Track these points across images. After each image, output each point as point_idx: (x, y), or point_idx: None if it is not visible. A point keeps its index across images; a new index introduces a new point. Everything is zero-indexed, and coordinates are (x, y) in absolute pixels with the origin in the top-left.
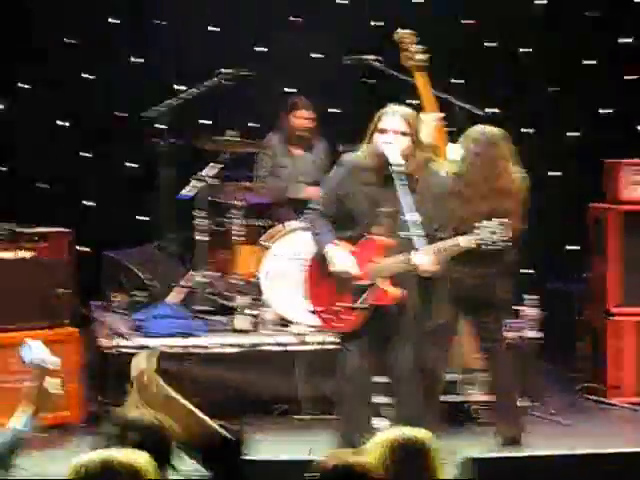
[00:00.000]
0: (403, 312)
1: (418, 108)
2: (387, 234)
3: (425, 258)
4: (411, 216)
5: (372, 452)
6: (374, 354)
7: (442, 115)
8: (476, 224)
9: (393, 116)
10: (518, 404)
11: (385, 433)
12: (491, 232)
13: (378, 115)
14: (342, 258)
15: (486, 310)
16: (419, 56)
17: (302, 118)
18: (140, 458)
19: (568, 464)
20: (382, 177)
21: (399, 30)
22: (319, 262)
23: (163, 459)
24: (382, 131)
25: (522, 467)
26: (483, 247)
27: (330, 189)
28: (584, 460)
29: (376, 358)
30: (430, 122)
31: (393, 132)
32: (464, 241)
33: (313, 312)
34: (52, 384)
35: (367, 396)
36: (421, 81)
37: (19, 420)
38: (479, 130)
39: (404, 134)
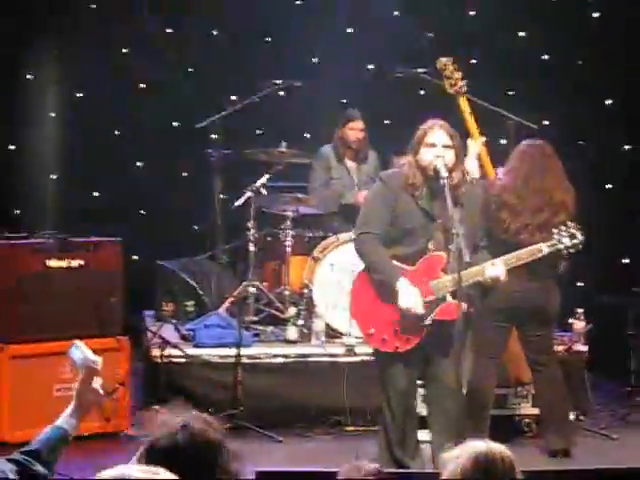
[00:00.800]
0: (467, 325)
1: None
2: (441, 248)
3: (499, 269)
4: (460, 229)
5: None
6: (420, 368)
7: (485, 139)
8: (554, 230)
9: (440, 130)
10: (570, 417)
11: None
12: (570, 236)
13: (424, 129)
14: (411, 296)
15: (538, 322)
16: (461, 82)
17: (354, 129)
18: (159, 475)
19: (613, 478)
20: (432, 191)
21: (441, 58)
22: (370, 282)
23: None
24: (431, 145)
25: None
26: (564, 252)
27: (378, 208)
28: (629, 474)
29: (422, 372)
30: (476, 147)
31: (442, 146)
32: (546, 247)
33: (367, 335)
34: (97, 382)
35: (413, 411)
36: (465, 107)
37: (63, 419)
38: (532, 144)
39: (450, 147)
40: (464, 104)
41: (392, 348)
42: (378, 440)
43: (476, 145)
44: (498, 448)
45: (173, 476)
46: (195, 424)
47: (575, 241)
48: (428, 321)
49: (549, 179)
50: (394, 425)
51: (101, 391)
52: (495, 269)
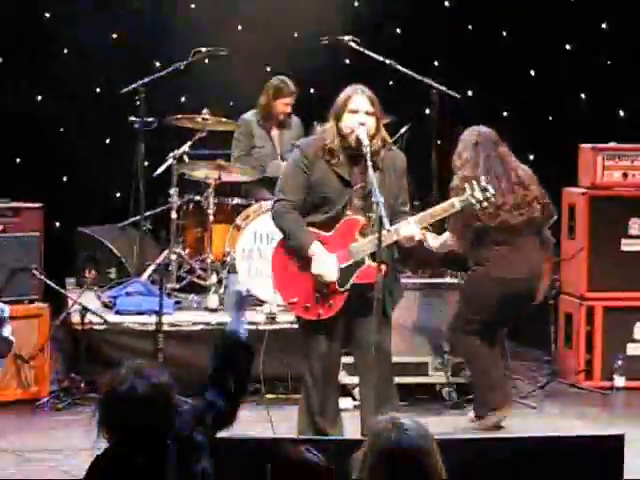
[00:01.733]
0: (383, 288)
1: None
2: (360, 213)
3: (412, 228)
4: (380, 197)
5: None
6: (344, 334)
7: None
8: (466, 185)
9: (362, 95)
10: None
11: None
12: (482, 190)
13: (346, 95)
14: (323, 262)
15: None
16: None
17: (285, 105)
18: None
19: (531, 446)
20: (353, 157)
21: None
22: (289, 251)
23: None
24: (354, 111)
25: (485, 449)
26: (477, 205)
27: (294, 176)
28: (545, 442)
29: (345, 338)
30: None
31: (365, 113)
32: (458, 202)
33: (290, 304)
34: (7, 331)
35: (335, 379)
36: None
37: None
38: (478, 133)
39: (371, 114)
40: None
41: (315, 315)
42: (299, 407)
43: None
44: (407, 440)
45: None
46: (146, 369)
47: (487, 194)
48: (348, 285)
49: (508, 161)
50: (315, 393)
51: (11, 338)
52: (409, 228)
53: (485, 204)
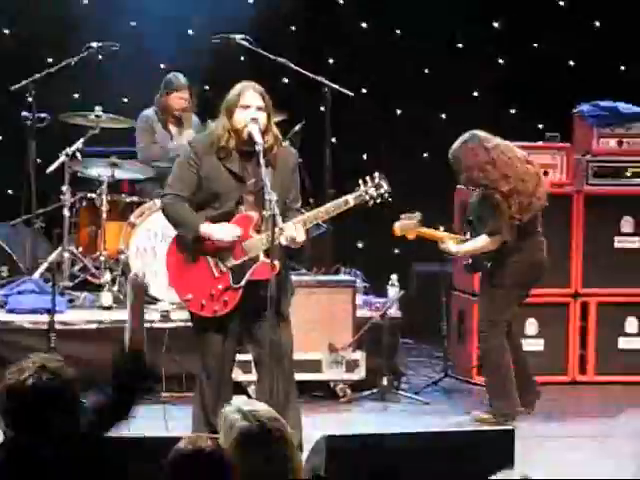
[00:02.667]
0: (278, 285)
1: None
2: (253, 209)
3: (292, 230)
4: (273, 194)
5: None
6: (239, 331)
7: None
8: (360, 181)
9: (253, 91)
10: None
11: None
12: (376, 186)
13: (237, 91)
14: (219, 227)
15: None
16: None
17: (181, 99)
18: None
19: (419, 441)
20: (245, 153)
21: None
22: (183, 248)
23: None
24: (245, 107)
25: (374, 444)
26: (371, 202)
27: (183, 172)
28: (434, 438)
29: (240, 336)
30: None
31: (256, 108)
32: (352, 198)
33: (185, 301)
34: None
35: (229, 377)
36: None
37: None
38: (479, 139)
39: (262, 109)
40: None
41: (211, 312)
42: (193, 406)
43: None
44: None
45: None
46: (50, 363)
47: (381, 191)
48: (243, 282)
49: (512, 162)
50: (209, 391)
51: None
52: (291, 230)
53: (379, 200)
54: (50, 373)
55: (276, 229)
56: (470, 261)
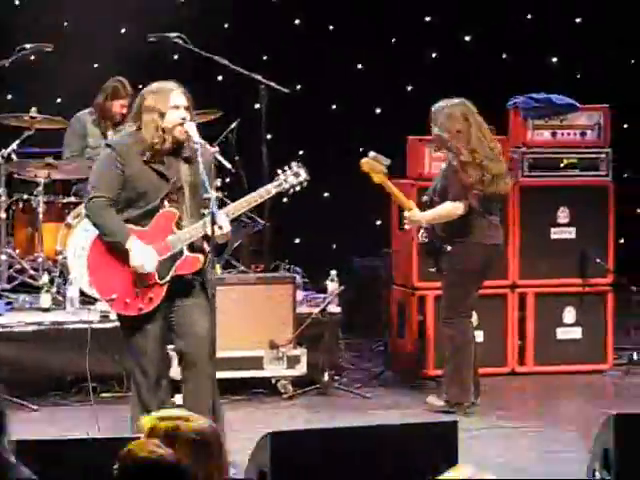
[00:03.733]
0: (202, 279)
1: None
2: (174, 205)
3: (222, 219)
4: (212, 191)
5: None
6: (167, 327)
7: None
8: (278, 170)
9: (180, 91)
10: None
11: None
12: (295, 174)
13: (165, 92)
14: (141, 254)
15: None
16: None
17: (122, 106)
18: None
19: (362, 435)
20: (170, 151)
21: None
22: (105, 248)
23: None
24: (175, 107)
25: (318, 440)
26: (290, 190)
27: (106, 173)
28: (377, 432)
29: (168, 330)
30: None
31: (184, 108)
32: (273, 188)
33: (109, 301)
34: None
35: (166, 374)
36: (391, 187)
37: None
38: (464, 105)
39: (187, 109)
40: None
41: (136, 310)
42: (132, 406)
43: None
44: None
45: None
46: None
47: (300, 179)
48: (168, 277)
49: (488, 131)
50: (147, 390)
51: None
52: (222, 220)
53: (298, 188)
54: None
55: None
56: (427, 239)
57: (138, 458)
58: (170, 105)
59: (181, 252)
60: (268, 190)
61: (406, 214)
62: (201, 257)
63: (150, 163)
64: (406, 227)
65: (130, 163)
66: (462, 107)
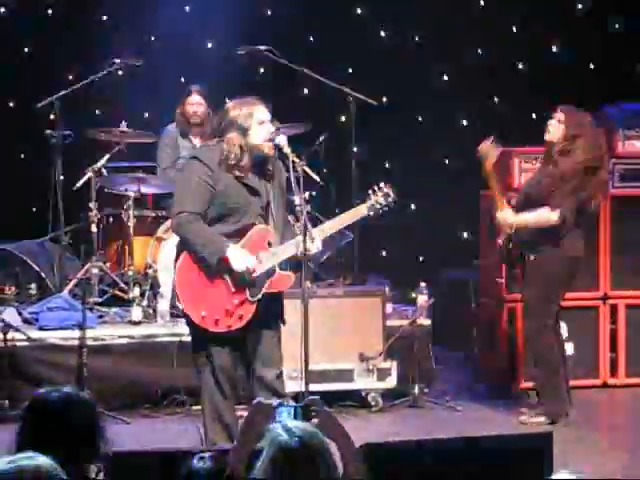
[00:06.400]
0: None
1: None
2: (262, 222)
3: (315, 239)
4: (305, 206)
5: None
6: (244, 346)
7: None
8: (369, 191)
9: (263, 106)
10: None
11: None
12: (384, 195)
13: (248, 108)
14: (243, 257)
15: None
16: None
17: (192, 104)
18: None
19: (456, 448)
20: (256, 167)
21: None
22: (196, 264)
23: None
24: (262, 122)
25: (413, 452)
26: (380, 211)
27: (195, 187)
28: (470, 443)
29: (246, 350)
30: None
31: (269, 122)
32: (365, 208)
33: (201, 318)
34: None
35: (237, 392)
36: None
37: None
38: (579, 111)
39: (271, 122)
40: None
41: (225, 327)
42: (208, 421)
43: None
44: (304, 443)
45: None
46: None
47: (389, 199)
48: (260, 295)
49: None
50: (228, 410)
51: None
52: (316, 239)
53: (386, 209)
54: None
55: (306, 239)
56: (510, 245)
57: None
58: (256, 121)
59: (273, 270)
60: (361, 211)
61: (497, 214)
62: (292, 275)
63: (240, 178)
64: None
65: (220, 177)
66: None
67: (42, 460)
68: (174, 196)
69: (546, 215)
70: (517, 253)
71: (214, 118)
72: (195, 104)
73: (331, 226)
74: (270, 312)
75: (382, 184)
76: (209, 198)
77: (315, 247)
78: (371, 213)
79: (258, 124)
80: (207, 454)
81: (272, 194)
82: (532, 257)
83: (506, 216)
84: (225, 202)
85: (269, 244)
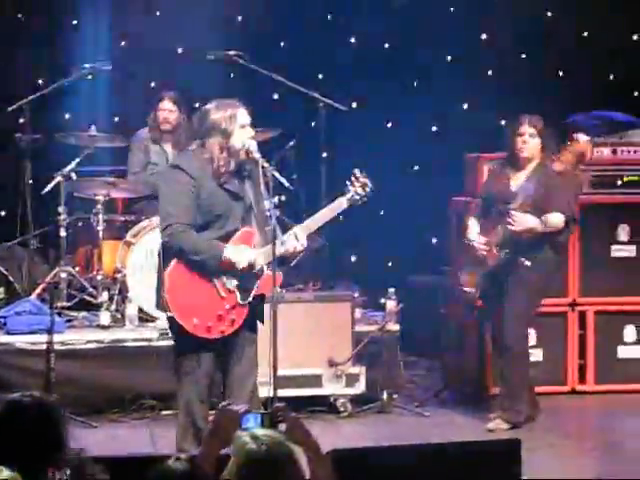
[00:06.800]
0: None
1: None
2: (246, 225)
3: (300, 236)
4: (274, 211)
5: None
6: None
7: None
8: (347, 182)
9: (244, 109)
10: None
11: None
12: (362, 186)
13: (230, 112)
14: (244, 253)
15: None
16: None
17: (163, 110)
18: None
19: (424, 453)
20: (238, 171)
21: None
22: (184, 272)
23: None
24: (243, 126)
25: (381, 457)
26: (360, 202)
27: (181, 197)
28: (437, 449)
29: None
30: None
31: (250, 126)
32: (345, 200)
33: (194, 326)
34: None
35: (211, 394)
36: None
37: None
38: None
39: (251, 126)
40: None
41: (218, 333)
42: (181, 426)
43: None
44: (272, 451)
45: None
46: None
47: (367, 189)
48: (250, 298)
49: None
50: (201, 411)
51: None
52: (300, 236)
53: (365, 199)
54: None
55: (277, 242)
56: (509, 254)
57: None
58: (238, 124)
59: (261, 270)
60: (341, 203)
61: (517, 213)
62: (281, 274)
63: (223, 183)
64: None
65: (203, 185)
66: None
67: (5, 474)
68: (160, 208)
69: (559, 218)
70: (511, 260)
71: (192, 121)
72: (167, 110)
73: (314, 221)
74: (254, 315)
75: (357, 172)
76: (194, 207)
77: (300, 245)
78: (351, 204)
79: (240, 127)
80: (183, 455)
81: (253, 195)
82: (526, 263)
83: (527, 220)
84: (209, 210)
85: (254, 246)
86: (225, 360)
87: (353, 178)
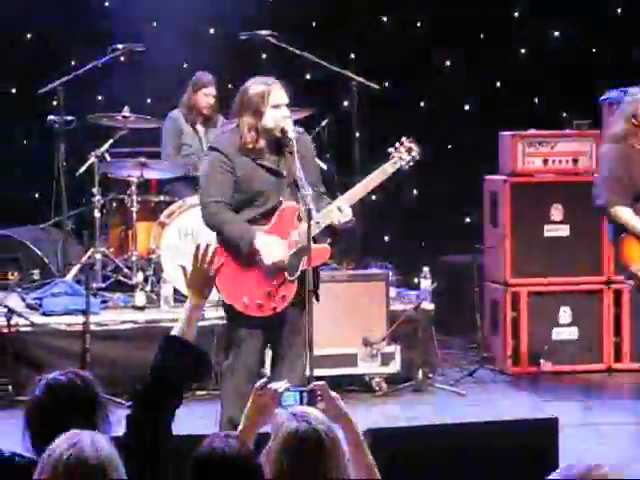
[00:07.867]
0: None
1: None
2: (291, 199)
3: (343, 207)
4: (308, 188)
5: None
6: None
7: None
8: (390, 149)
9: (280, 88)
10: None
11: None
12: (408, 150)
13: (263, 90)
14: (272, 250)
15: None
16: None
17: (208, 95)
18: None
19: (461, 432)
20: (273, 148)
21: None
22: (230, 252)
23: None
24: (276, 106)
25: (418, 436)
26: (406, 166)
27: (218, 177)
28: (475, 428)
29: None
30: None
31: (285, 105)
32: (389, 166)
33: (244, 306)
34: None
35: (255, 374)
36: None
37: None
38: None
39: (287, 105)
40: None
41: (271, 310)
42: (226, 402)
43: None
44: (313, 428)
45: None
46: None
47: (413, 154)
48: (298, 272)
49: None
50: (246, 389)
51: None
52: (346, 207)
53: (411, 164)
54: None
55: (312, 222)
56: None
57: (212, 452)
58: (270, 104)
59: (307, 245)
60: (385, 169)
61: None
62: (328, 247)
63: (259, 161)
64: None
65: (240, 163)
66: None
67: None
68: (199, 188)
69: None
70: None
71: (235, 97)
72: (210, 96)
73: (358, 191)
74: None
75: (403, 138)
76: (231, 186)
77: (343, 216)
78: (395, 169)
79: (272, 107)
80: (233, 433)
81: (297, 169)
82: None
83: None
84: (248, 187)
85: (299, 219)
86: (277, 337)
87: (398, 144)
